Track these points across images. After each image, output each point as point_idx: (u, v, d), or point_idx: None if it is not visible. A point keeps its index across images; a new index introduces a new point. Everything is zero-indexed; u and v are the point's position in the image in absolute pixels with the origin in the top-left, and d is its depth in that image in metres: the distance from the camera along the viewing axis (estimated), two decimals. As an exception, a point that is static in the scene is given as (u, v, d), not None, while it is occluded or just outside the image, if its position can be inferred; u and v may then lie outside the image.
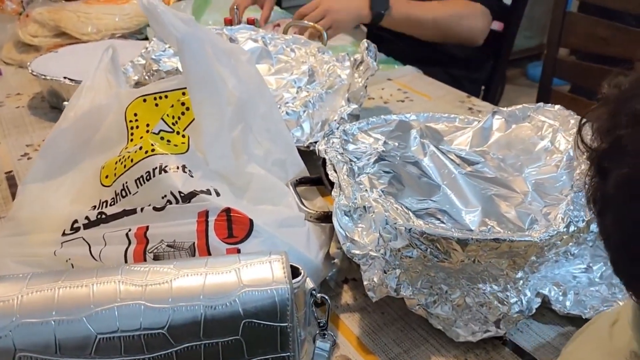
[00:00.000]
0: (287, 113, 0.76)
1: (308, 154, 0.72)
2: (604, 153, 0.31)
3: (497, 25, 1.47)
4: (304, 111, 0.78)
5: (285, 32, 1.06)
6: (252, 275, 0.39)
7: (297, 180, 0.63)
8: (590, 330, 0.42)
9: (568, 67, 1.25)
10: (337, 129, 0.70)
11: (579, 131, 0.34)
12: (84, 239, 0.54)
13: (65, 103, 0.75)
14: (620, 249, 0.33)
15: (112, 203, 0.57)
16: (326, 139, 0.67)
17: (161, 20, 0.54)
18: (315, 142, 0.72)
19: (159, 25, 0.54)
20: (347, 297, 0.60)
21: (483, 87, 1.51)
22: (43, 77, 0.94)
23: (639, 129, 0.28)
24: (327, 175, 0.59)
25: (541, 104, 0.73)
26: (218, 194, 0.54)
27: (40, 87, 1.01)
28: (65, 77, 0.93)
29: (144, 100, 0.63)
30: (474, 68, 1.39)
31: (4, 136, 0.92)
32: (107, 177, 0.59)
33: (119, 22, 1.17)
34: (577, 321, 0.55)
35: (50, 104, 1.00)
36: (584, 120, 0.34)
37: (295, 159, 0.65)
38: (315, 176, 0.65)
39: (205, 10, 1.43)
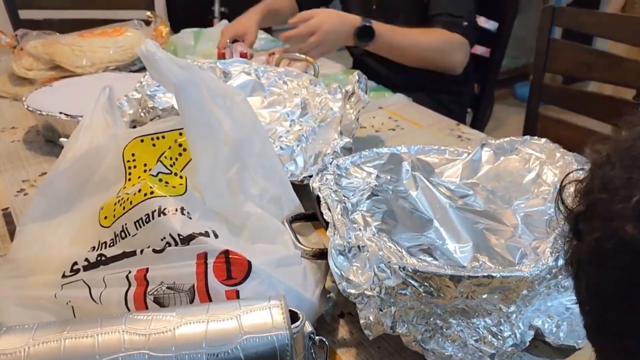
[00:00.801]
0: (281, 148, 0.78)
1: (302, 188, 0.74)
2: (580, 215, 0.32)
3: (483, 51, 1.51)
4: (298, 145, 0.80)
5: (277, 64, 1.08)
6: (252, 321, 0.41)
7: (292, 217, 0.64)
8: None
9: (554, 92, 1.28)
10: (331, 163, 0.72)
11: (560, 192, 0.34)
12: (84, 281, 0.55)
13: (62, 140, 0.76)
14: (589, 316, 0.33)
15: (112, 244, 0.58)
16: (320, 175, 0.68)
17: (158, 66, 0.56)
18: (310, 176, 0.74)
19: (157, 72, 0.56)
20: (343, 331, 0.61)
21: (470, 110, 1.55)
22: (39, 112, 0.96)
23: (613, 195, 0.29)
24: (322, 213, 0.61)
25: (528, 137, 0.75)
26: (216, 236, 0.55)
27: (36, 121, 1.02)
28: (60, 112, 0.94)
29: (142, 141, 0.65)
30: (458, 93, 1.42)
31: (0, 172, 0.92)
32: (106, 218, 0.60)
33: (113, 54, 1.19)
34: (569, 352, 0.56)
35: (46, 137, 1.01)
36: (566, 181, 0.34)
37: (290, 195, 0.67)
38: (310, 212, 0.66)
39: (199, 40, 1.46)
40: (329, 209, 0.60)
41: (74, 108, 0.96)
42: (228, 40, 1.19)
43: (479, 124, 1.52)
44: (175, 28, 1.55)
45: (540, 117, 1.30)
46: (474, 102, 1.52)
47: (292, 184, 0.74)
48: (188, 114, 0.58)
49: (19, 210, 0.82)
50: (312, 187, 0.67)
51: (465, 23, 1.22)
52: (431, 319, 0.54)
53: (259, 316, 0.41)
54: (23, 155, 0.98)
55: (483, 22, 1.52)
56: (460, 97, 1.42)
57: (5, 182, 0.90)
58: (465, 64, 1.26)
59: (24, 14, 1.66)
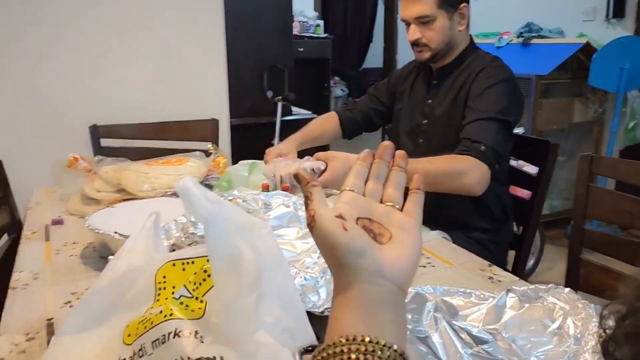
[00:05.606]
0: (305, 279, 0.81)
1: (323, 319, 0.76)
2: (609, 339, 0.37)
3: (524, 193, 1.54)
4: (322, 277, 0.83)
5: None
6: None
7: (304, 349, 0.66)
8: None
9: (596, 238, 1.26)
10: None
11: (600, 322, 0.39)
12: (98, 398, 0.58)
13: (110, 257, 0.83)
14: None
15: (129, 362, 0.61)
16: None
17: (192, 201, 0.63)
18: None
19: (191, 206, 0.63)
20: None
21: (514, 251, 1.53)
22: (96, 230, 1.06)
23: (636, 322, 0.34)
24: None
25: (552, 285, 0.75)
26: (223, 362, 0.57)
27: (94, 238, 1.12)
28: (115, 232, 1.03)
29: (173, 265, 0.70)
30: (494, 230, 1.42)
31: (54, 284, 1.00)
32: (129, 335, 0.64)
33: (173, 181, 1.31)
34: None
35: (100, 254, 1.10)
36: (605, 312, 0.39)
37: (305, 327, 0.69)
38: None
39: (252, 172, 1.59)
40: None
41: (129, 228, 1.05)
42: (273, 175, 1.29)
43: (521, 265, 1.49)
44: (237, 158, 1.70)
45: (583, 262, 1.27)
46: (515, 243, 1.51)
47: (313, 314, 0.76)
48: (214, 245, 0.63)
49: (60, 321, 0.88)
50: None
51: (483, 148, 1.25)
52: None
53: None
54: (77, 269, 1.06)
55: (523, 165, 1.57)
56: (497, 235, 1.42)
57: (55, 293, 0.97)
58: (484, 186, 1.26)
59: (105, 142, 1.88)
